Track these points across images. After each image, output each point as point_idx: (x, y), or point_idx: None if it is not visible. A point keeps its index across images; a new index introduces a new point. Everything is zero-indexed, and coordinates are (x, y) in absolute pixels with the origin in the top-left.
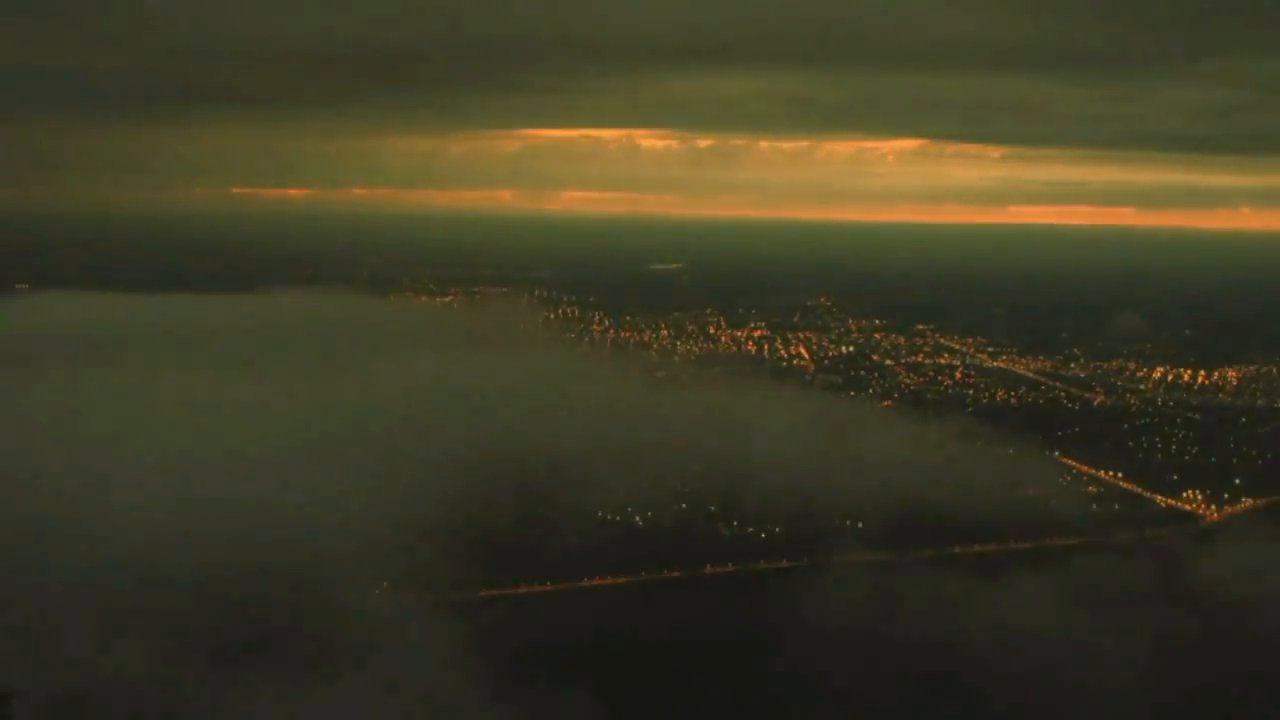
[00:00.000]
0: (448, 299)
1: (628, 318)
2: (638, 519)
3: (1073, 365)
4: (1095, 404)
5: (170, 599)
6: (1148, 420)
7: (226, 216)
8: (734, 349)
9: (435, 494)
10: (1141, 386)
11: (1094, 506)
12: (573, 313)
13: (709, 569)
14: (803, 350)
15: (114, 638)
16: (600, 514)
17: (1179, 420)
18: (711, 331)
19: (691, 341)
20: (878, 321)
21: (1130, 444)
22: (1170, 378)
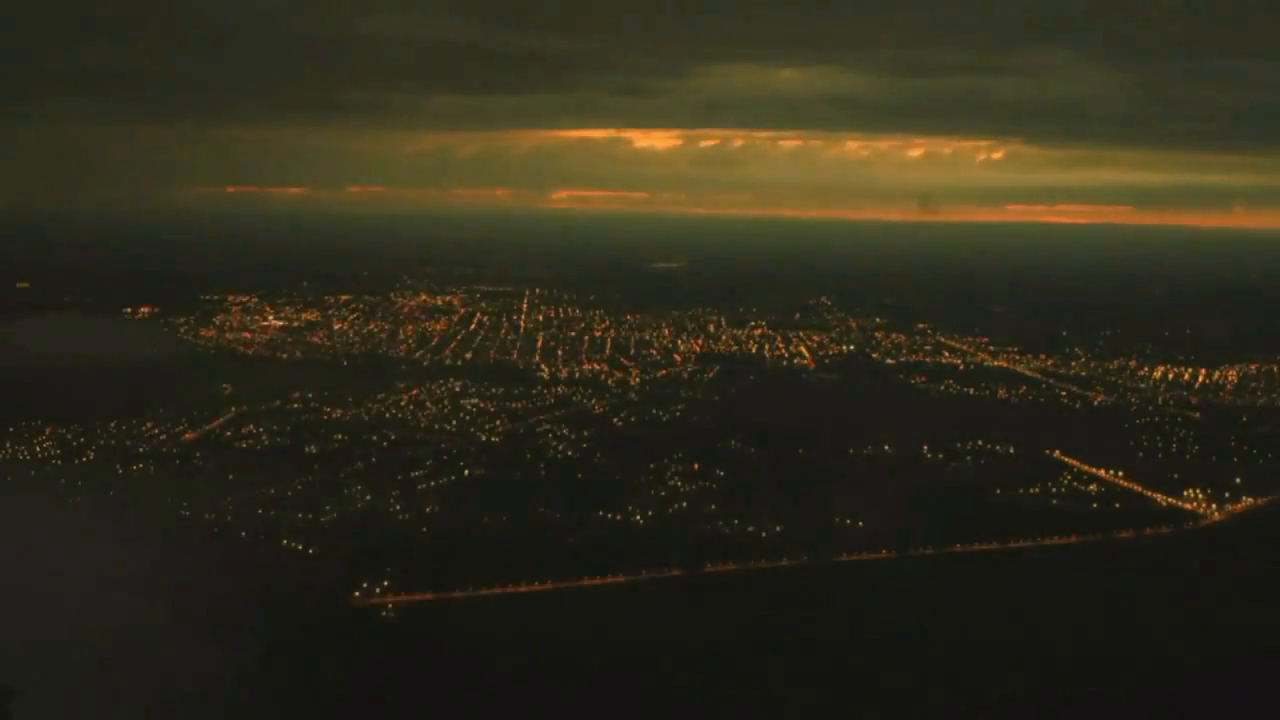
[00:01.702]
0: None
1: (628, 316)
2: None
3: (1073, 364)
4: (1096, 403)
5: None
6: (1148, 419)
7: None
8: (734, 348)
9: None
10: (1142, 385)
11: (1094, 505)
12: (573, 311)
13: None
14: (803, 349)
15: None
16: None
17: (1179, 419)
18: (711, 330)
19: (692, 339)
20: (878, 320)
21: (1131, 443)
22: (1170, 376)
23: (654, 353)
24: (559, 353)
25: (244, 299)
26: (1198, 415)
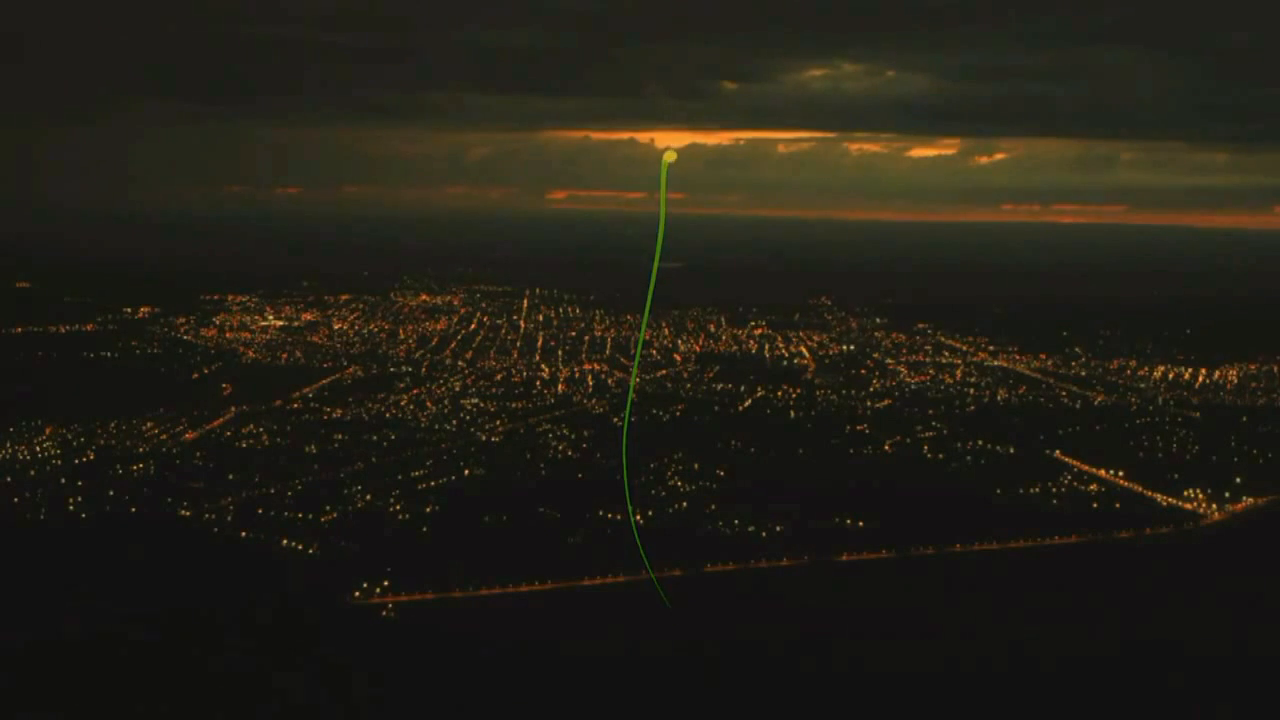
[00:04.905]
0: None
1: (628, 316)
2: None
3: (1074, 364)
4: (1096, 403)
5: None
6: (1148, 419)
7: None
8: (734, 348)
9: None
10: (1142, 385)
11: (1094, 505)
12: (574, 311)
13: None
14: (803, 349)
15: None
16: None
17: (1179, 419)
18: (711, 329)
19: (692, 339)
20: (878, 320)
21: (1131, 443)
22: (1171, 376)
23: (654, 353)
24: (559, 353)
25: (244, 299)
26: (1198, 415)
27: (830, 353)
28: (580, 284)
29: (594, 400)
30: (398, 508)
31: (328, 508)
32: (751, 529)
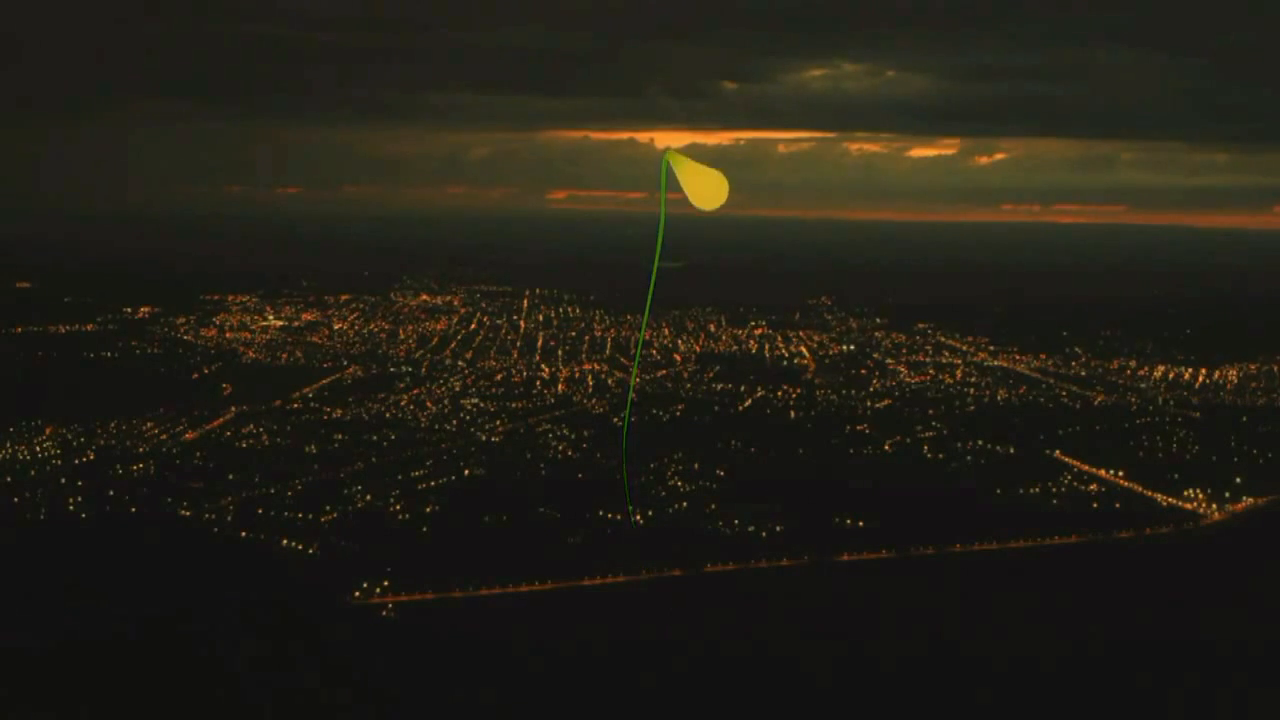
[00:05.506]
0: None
1: (628, 316)
2: None
3: (1074, 364)
4: (1096, 403)
5: None
6: (1148, 419)
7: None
8: (734, 348)
9: None
10: (1142, 385)
11: (1094, 505)
12: (574, 311)
13: None
14: (804, 349)
15: None
16: None
17: (1179, 419)
18: (711, 329)
19: (692, 339)
20: (878, 320)
21: (1131, 443)
22: (1171, 376)
23: (654, 353)
24: (559, 353)
25: (244, 299)
26: (1198, 415)
27: (830, 353)
28: (580, 284)
29: (594, 400)
30: (398, 508)
31: (328, 508)
32: (751, 529)
